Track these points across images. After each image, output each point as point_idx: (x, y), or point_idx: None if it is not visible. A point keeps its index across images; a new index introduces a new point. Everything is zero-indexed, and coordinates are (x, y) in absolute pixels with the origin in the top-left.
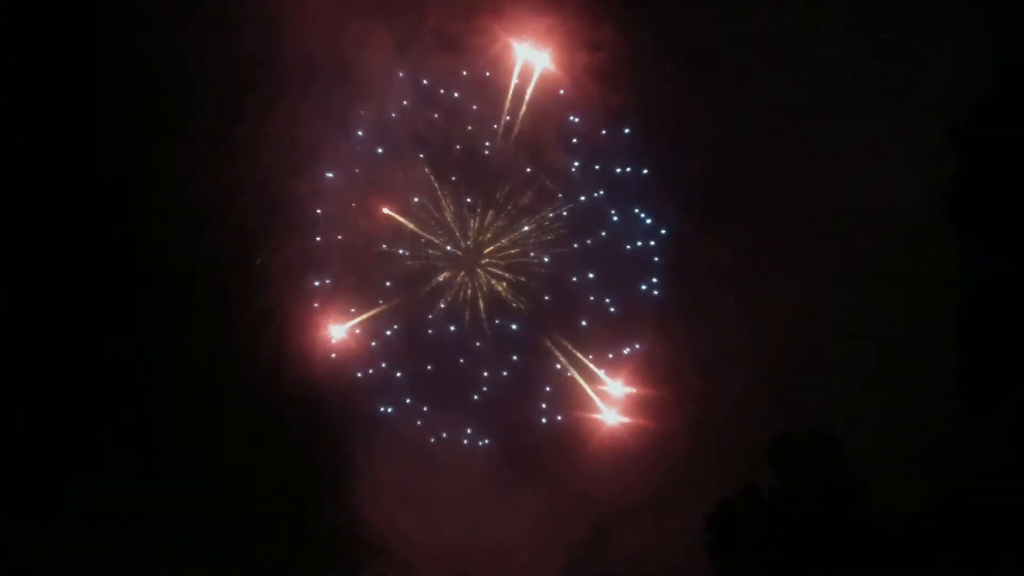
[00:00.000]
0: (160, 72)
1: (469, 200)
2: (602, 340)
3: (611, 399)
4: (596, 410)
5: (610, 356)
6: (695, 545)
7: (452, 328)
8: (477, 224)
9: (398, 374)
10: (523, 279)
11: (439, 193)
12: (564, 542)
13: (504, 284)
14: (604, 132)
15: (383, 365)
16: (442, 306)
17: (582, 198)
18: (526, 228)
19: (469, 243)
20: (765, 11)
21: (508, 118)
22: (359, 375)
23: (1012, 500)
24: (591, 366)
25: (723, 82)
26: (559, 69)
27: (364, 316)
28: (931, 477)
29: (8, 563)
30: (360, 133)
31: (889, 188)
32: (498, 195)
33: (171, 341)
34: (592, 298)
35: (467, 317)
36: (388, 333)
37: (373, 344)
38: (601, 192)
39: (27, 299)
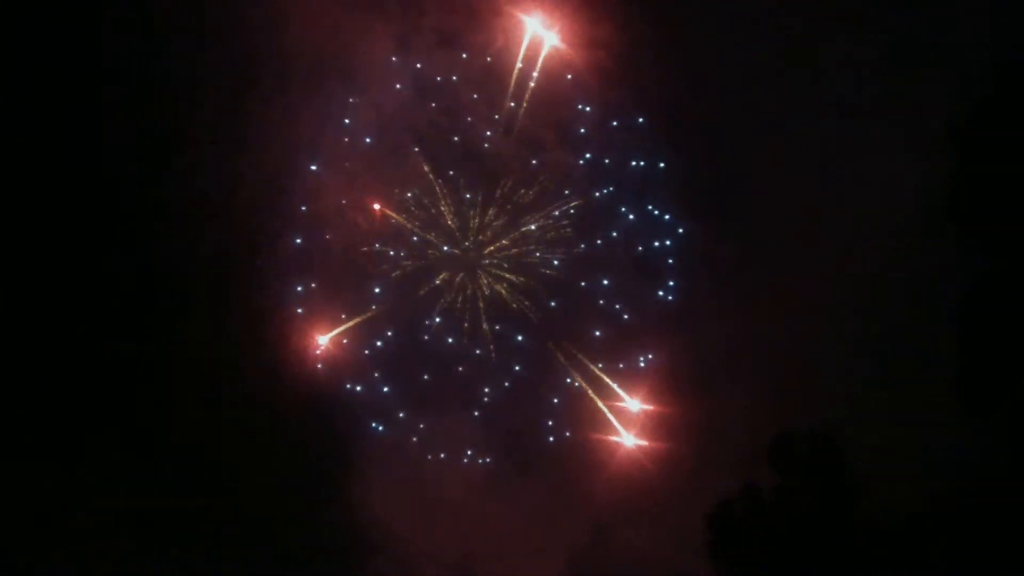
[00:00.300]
0: (159, 71)
1: (468, 196)
2: (613, 349)
3: (626, 417)
4: (610, 429)
5: (620, 366)
6: (695, 545)
7: (450, 340)
8: (477, 222)
9: (385, 389)
10: (527, 280)
11: (436, 188)
12: (564, 542)
13: (506, 286)
14: (615, 124)
15: (375, 375)
16: (438, 319)
17: (596, 194)
18: (531, 227)
19: (468, 243)
20: (768, 12)
21: (512, 104)
22: (348, 386)
23: (1012, 500)
24: (604, 378)
25: (727, 80)
26: (568, 48)
27: (353, 322)
28: (931, 477)
29: (8, 563)
30: (346, 121)
31: (889, 188)
32: (499, 190)
33: (170, 341)
34: (602, 302)
35: (467, 322)
36: (379, 344)
37: (366, 352)
38: (611, 188)
39: (26, 299)
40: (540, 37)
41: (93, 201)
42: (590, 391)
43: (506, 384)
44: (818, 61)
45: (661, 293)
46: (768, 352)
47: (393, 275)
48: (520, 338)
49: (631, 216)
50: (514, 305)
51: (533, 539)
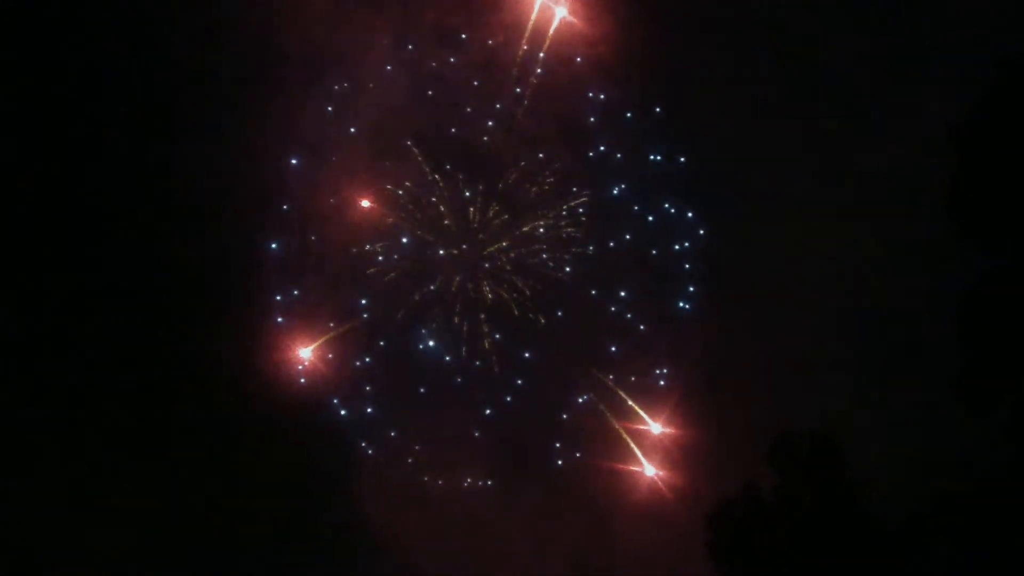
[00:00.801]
0: (159, 71)
1: (468, 193)
2: (626, 362)
3: (643, 439)
4: (626, 453)
5: (632, 379)
6: (695, 545)
7: (447, 355)
8: (477, 220)
9: (369, 409)
10: (531, 283)
11: (432, 183)
12: (565, 542)
13: (508, 290)
14: (629, 115)
15: (367, 388)
16: (434, 327)
17: (615, 191)
18: (535, 225)
19: (465, 246)
20: (770, 13)
21: (518, 91)
22: (335, 401)
23: (1012, 500)
24: (621, 394)
25: (726, 80)
26: (578, 22)
27: (340, 331)
28: (931, 477)
29: (8, 563)
30: (329, 109)
31: (889, 188)
32: (501, 185)
33: (170, 340)
34: (613, 309)
35: (465, 331)
36: (368, 359)
37: (357, 364)
38: (623, 185)
39: (25, 299)
40: (550, 9)
41: (92, 200)
42: (604, 410)
43: (508, 400)
44: (819, 61)
45: (681, 304)
46: (768, 352)
47: (386, 279)
48: (524, 349)
49: (650, 217)
50: (516, 312)
51: (533, 537)
